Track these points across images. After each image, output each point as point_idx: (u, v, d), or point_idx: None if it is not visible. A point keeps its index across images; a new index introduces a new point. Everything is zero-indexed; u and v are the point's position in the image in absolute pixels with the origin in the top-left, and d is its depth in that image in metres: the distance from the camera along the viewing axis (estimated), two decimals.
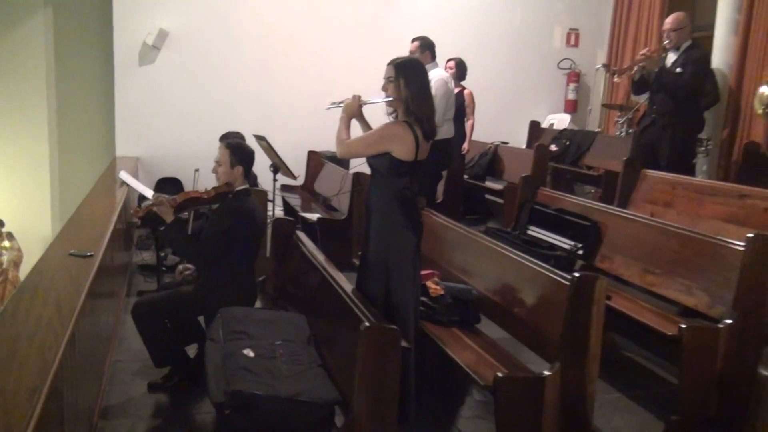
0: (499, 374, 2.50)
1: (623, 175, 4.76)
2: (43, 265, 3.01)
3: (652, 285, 3.39)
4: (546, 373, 2.55)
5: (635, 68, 5.04)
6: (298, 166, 6.81)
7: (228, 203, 3.46)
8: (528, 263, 2.99)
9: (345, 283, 2.93)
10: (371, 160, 2.95)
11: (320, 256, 3.35)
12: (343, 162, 6.49)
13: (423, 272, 3.28)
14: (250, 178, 5.04)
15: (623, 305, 3.28)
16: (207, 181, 3.65)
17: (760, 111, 4.34)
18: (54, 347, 2.02)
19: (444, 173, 5.48)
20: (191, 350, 3.52)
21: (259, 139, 5.05)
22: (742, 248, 2.82)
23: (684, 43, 4.97)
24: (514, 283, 3.09)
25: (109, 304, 3.95)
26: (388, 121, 3.01)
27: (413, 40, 5.19)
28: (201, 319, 3.48)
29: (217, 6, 7.01)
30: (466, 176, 6.79)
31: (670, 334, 2.84)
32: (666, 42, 5.02)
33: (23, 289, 2.66)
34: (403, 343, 2.38)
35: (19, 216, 7.41)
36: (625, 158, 4.86)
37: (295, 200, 6.50)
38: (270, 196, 4.98)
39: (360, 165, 3.67)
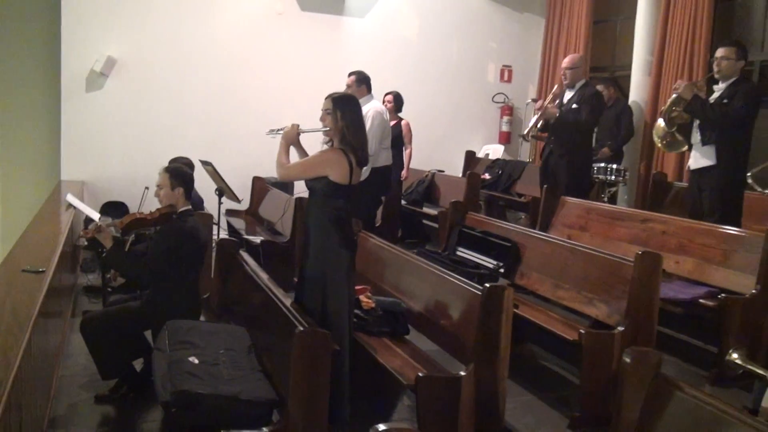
0: (420, 374, 2.81)
1: (544, 201, 5.20)
2: None
3: (562, 299, 3.78)
4: (462, 373, 2.87)
5: (538, 122, 5.57)
6: (244, 191, 7.05)
7: (172, 224, 3.69)
8: (449, 278, 3.33)
9: (284, 296, 3.20)
10: (310, 183, 3.26)
11: (261, 273, 3.61)
12: (286, 187, 6.78)
13: (356, 287, 3.59)
14: (193, 200, 5.28)
15: (532, 314, 3.66)
16: (154, 202, 3.87)
17: (659, 143, 4.83)
18: (13, 352, 2.22)
19: (383, 198, 5.80)
20: (137, 364, 3.71)
21: (205, 164, 5.29)
22: (632, 264, 3.23)
23: (579, 82, 5.50)
24: (438, 296, 3.42)
25: (57, 324, 4.09)
26: (322, 148, 3.34)
27: (350, 74, 5.54)
28: (148, 334, 3.68)
29: (164, 34, 7.21)
30: (404, 202, 7.16)
31: (571, 339, 3.22)
32: (563, 79, 5.58)
33: None
34: (335, 347, 2.66)
35: None
36: (545, 186, 5.30)
37: (239, 224, 6.71)
38: (215, 219, 5.21)
39: (303, 191, 3.95)
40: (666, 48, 7.09)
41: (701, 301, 3.66)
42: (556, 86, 5.76)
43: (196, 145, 6.78)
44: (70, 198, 5.39)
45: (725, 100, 4.36)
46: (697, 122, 4.53)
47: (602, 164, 6.65)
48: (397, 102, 6.85)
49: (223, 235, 6.18)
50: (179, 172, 3.77)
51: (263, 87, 7.61)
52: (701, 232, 4.02)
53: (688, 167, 4.65)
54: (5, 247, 5.59)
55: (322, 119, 3.31)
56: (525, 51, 9.06)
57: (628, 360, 2.07)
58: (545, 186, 5.30)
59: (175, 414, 2.57)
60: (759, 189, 4.12)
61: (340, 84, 5.69)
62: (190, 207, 3.78)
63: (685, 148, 4.71)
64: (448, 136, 8.73)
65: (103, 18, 6.97)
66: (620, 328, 3.16)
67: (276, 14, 7.68)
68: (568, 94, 5.56)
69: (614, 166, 6.58)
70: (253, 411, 2.66)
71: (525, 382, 3.72)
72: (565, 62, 5.62)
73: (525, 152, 8.84)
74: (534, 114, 5.85)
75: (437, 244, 6.84)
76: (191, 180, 3.82)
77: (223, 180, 5.20)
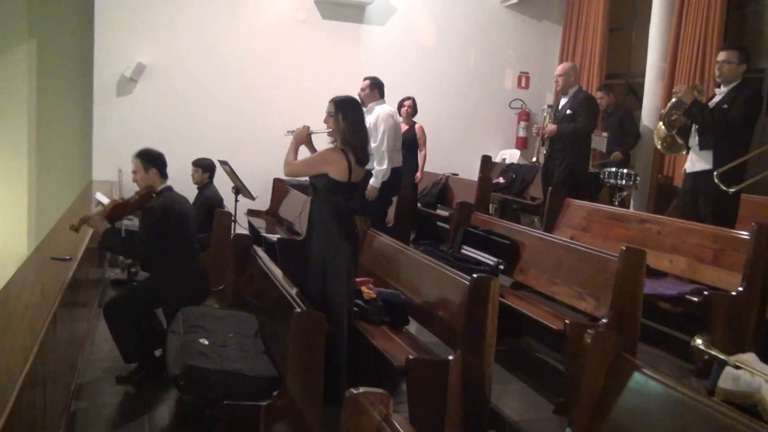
0: (410, 357, 3.02)
1: (549, 203, 5.37)
2: (28, 266, 3.49)
3: (556, 293, 3.96)
4: (450, 358, 3.07)
5: (543, 143, 5.99)
6: (265, 192, 7.35)
7: (153, 200, 3.94)
8: (445, 271, 3.54)
9: (289, 285, 3.44)
10: (312, 180, 3.51)
11: (271, 265, 3.86)
12: (305, 188, 7.04)
13: (359, 279, 3.82)
14: (214, 198, 5.58)
15: (525, 307, 3.84)
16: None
17: (659, 145, 4.95)
18: (41, 322, 2.50)
19: (395, 199, 6.03)
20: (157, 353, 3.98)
21: (223, 163, 5.59)
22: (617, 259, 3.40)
23: (572, 89, 5.70)
24: (434, 289, 3.63)
25: (83, 312, 4.41)
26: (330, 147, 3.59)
27: (365, 79, 5.79)
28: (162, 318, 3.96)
29: (190, 41, 7.55)
30: (419, 204, 7.37)
31: (556, 329, 3.40)
32: (556, 86, 5.84)
33: (13, 282, 3.13)
34: (330, 329, 2.88)
35: None
36: (550, 188, 5.47)
37: (260, 223, 6.99)
38: (233, 216, 5.49)
39: None
40: (678, 55, 7.19)
41: (687, 296, 3.81)
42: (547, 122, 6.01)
43: (219, 147, 7.09)
44: (99, 196, 5.72)
45: (725, 105, 4.45)
46: (695, 126, 4.63)
47: (613, 169, 6.78)
48: (414, 107, 7.08)
49: (244, 233, 6.49)
50: (149, 154, 4.01)
51: (285, 92, 7.89)
52: (694, 232, 4.15)
53: (684, 170, 4.77)
54: (39, 240, 5.94)
55: (325, 121, 3.56)
56: (542, 58, 9.21)
57: (588, 340, 2.26)
58: (549, 188, 5.46)
59: (183, 386, 2.82)
60: (723, 188, 4.23)
61: (358, 89, 5.93)
62: (167, 185, 4.03)
63: (685, 151, 4.83)
64: (466, 140, 8.91)
65: (133, 26, 7.34)
66: (604, 320, 3.33)
67: (298, 22, 7.98)
68: (563, 101, 5.80)
69: (625, 170, 6.70)
70: (255, 386, 2.90)
71: (519, 372, 3.90)
72: (557, 70, 5.91)
73: (541, 157, 8.97)
74: (535, 134, 6.26)
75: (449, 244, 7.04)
76: (161, 158, 4.04)
77: (239, 179, 5.48)
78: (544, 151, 6.09)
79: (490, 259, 4.55)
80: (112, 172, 7.40)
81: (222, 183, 6.23)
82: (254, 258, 4.21)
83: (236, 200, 5.53)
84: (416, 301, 3.82)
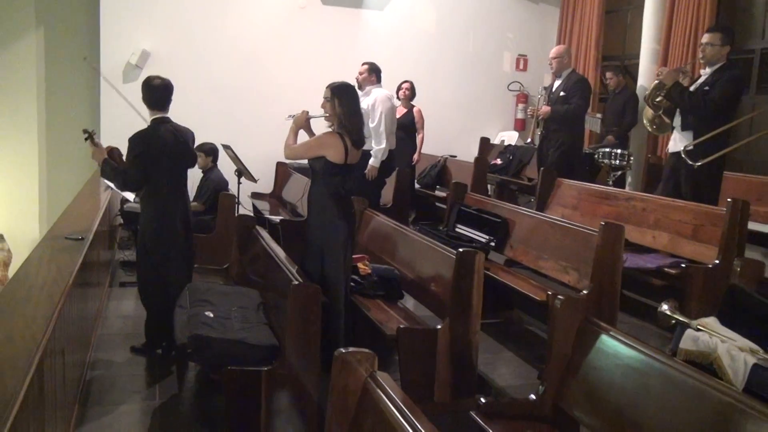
0: (401, 326, 3.24)
1: (541, 183, 5.56)
2: (43, 246, 3.71)
3: (543, 268, 4.16)
4: (438, 326, 3.29)
5: (537, 125, 6.22)
6: (268, 176, 7.56)
7: (137, 132, 4.02)
8: (435, 247, 3.75)
9: (289, 262, 3.65)
10: (311, 162, 3.71)
11: (272, 244, 4.07)
12: (307, 172, 7.25)
13: (355, 256, 4.03)
14: (219, 181, 5.78)
15: (513, 281, 4.05)
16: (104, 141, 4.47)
17: (649, 128, 5.12)
18: (58, 294, 2.73)
19: (388, 180, 6.22)
20: None
21: (226, 147, 5.80)
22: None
23: (565, 71, 5.87)
24: (426, 264, 3.84)
25: (96, 291, 4.65)
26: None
27: (363, 64, 5.98)
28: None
29: (194, 29, 7.74)
30: (418, 185, 7.56)
31: (540, 300, 3.61)
32: (550, 69, 6.02)
33: (30, 261, 3.35)
34: (324, 299, 3.10)
35: (9, 220, 8.04)
36: (542, 168, 5.65)
37: (264, 206, 7.22)
38: (236, 199, 5.71)
39: None
40: (671, 37, 7.33)
41: (666, 269, 4.01)
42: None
43: (223, 132, 7.25)
44: (107, 182, 5.95)
45: (707, 87, 4.61)
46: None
47: (607, 149, 6.96)
48: (412, 90, 7.25)
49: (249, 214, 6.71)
50: (143, 86, 4.10)
51: (287, 77, 8.07)
52: (675, 209, 4.34)
53: (668, 149, 4.94)
54: (50, 225, 6.18)
55: (322, 106, 3.76)
56: (540, 41, 9.34)
57: (558, 306, 2.47)
58: (542, 168, 5.65)
59: (190, 354, 3.05)
60: (690, 162, 4.43)
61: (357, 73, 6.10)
62: (161, 115, 4.05)
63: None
64: (465, 123, 9.09)
65: (138, 14, 7.53)
66: (584, 292, 3.54)
67: (299, 8, 8.14)
68: (556, 83, 5.97)
69: (618, 151, 6.88)
70: (257, 354, 3.12)
71: (509, 343, 4.13)
72: (551, 53, 6.07)
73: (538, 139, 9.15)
74: (530, 116, 6.58)
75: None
76: (157, 91, 4.08)
77: (241, 162, 5.69)
78: (539, 132, 6.28)
79: (482, 237, 4.76)
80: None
81: (227, 167, 6.44)
82: (257, 237, 4.43)
83: (239, 182, 5.74)
84: (410, 276, 4.03)
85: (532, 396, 2.58)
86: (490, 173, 7.59)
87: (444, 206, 7.56)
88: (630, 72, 8.47)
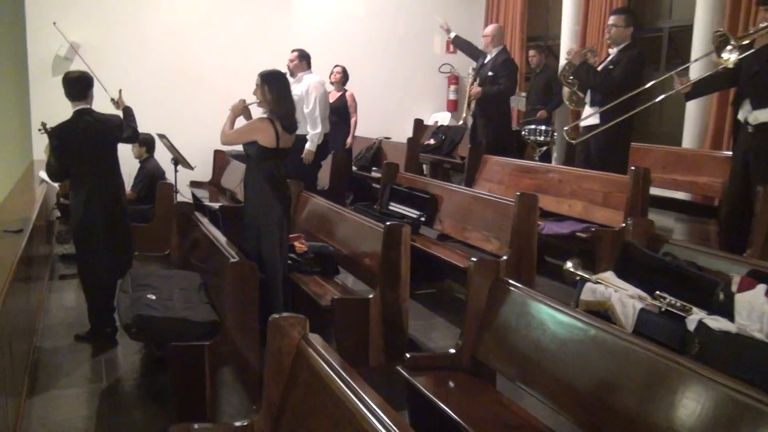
0: (335, 297, 3.47)
1: (468, 160, 5.87)
2: None
3: (468, 239, 4.46)
4: (370, 296, 3.54)
5: (469, 105, 6.42)
6: (206, 164, 7.64)
7: (58, 124, 4.15)
8: (366, 223, 3.99)
9: (227, 243, 3.82)
10: (245, 147, 3.88)
11: (211, 227, 4.23)
12: (244, 159, 7.36)
13: (292, 235, 4.24)
14: (157, 171, 5.86)
15: (438, 251, 4.35)
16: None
17: (568, 104, 5.48)
18: (1, 284, 2.84)
19: (323, 163, 6.41)
20: None
21: (161, 137, 5.88)
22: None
23: (496, 48, 6.16)
24: (358, 239, 4.08)
25: (37, 285, 4.71)
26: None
27: (293, 51, 6.12)
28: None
29: (124, 18, 7.69)
30: (354, 168, 7.78)
31: (463, 266, 3.90)
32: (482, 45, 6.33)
33: None
34: (261, 275, 3.30)
35: None
36: (470, 147, 5.96)
37: (203, 194, 7.30)
38: (175, 188, 5.81)
39: None
40: (589, 18, 7.74)
41: (577, 234, 4.37)
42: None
43: (158, 122, 7.27)
44: (43, 174, 5.94)
45: (611, 66, 4.98)
46: None
47: (532, 126, 7.34)
48: (344, 74, 7.43)
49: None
50: (65, 81, 4.17)
51: (219, 65, 8.13)
52: (588, 178, 4.71)
53: (578, 123, 5.31)
54: None
55: (254, 93, 3.92)
56: (468, 23, 9.62)
57: (472, 268, 2.74)
58: (470, 146, 5.95)
59: (134, 333, 3.21)
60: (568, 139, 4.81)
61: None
62: (81, 107, 4.14)
63: None
64: (398, 105, 9.34)
65: (65, 5, 7.43)
66: (504, 257, 3.84)
67: None
68: (486, 61, 6.24)
69: (543, 127, 7.26)
70: (199, 330, 3.29)
71: (440, 310, 4.43)
72: (484, 31, 6.30)
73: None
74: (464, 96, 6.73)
75: None
76: (75, 83, 4.17)
77: (176, 150, 5.79)
78: (470, 112, 6.52)
79: (413, 213, 5.03)
80: None
81: (165, 157, 6.50)
82: (196, 224, 4.57)
83: (176, 171, 5.84)
84: (344, 252, 4.26)
85: (452, 350, 2.85)
86: (424, 153, 7.88)
87: (379, 186, 7.84)
88: (553, 52, 8.87)
